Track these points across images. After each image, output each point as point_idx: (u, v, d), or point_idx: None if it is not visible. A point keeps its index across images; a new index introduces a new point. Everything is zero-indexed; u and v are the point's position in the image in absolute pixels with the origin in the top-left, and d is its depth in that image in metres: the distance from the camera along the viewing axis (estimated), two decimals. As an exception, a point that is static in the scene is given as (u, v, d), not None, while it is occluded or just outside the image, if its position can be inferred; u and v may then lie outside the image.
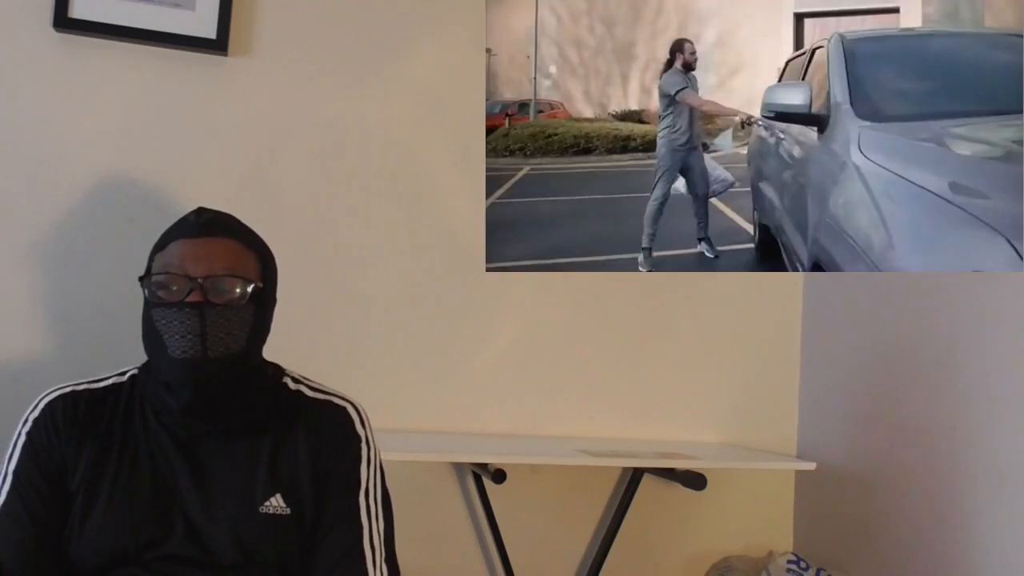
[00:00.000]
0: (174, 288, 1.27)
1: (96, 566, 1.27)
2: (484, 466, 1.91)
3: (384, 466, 1.44)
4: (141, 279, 1.33)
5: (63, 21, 1.79)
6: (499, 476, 1.85)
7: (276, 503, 1.31)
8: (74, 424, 1.32)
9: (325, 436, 1.37)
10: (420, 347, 2.03)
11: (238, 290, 1.29)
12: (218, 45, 1.86)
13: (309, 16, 1.97)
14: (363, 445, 1.39)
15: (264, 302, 1.35)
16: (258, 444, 1.34)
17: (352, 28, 1.99)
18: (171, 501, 1.30)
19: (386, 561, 1.34)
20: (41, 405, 1.34)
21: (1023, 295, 1.77)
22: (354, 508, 1.34)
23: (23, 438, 1.32)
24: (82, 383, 1.38)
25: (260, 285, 1.33)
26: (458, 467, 2.05)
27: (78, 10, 1.80)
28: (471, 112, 2.04)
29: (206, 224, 1.33)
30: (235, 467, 1.32)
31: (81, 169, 1.83)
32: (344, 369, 1.95)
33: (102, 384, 1.38)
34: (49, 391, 1.36)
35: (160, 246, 1.35)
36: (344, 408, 1.41)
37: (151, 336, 1.30)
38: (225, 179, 1.90)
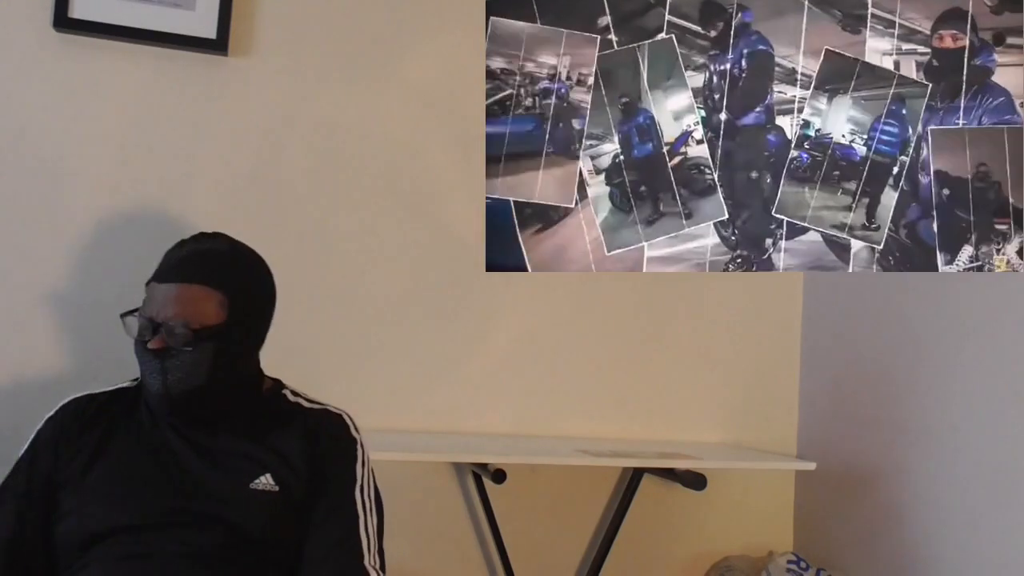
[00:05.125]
0: (141, 329, 1.39)
1: (84, 540, 1.36)
2: (484, 466, 1.91)
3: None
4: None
5: (63, 21, 1.79)
6: (499, 476, 1.85)
7: (266, 481, 1.40)
8: (79, 421, 1.44)
9: (323, 438, 1.47)
10: (420, 347, 2.03)
11: (185, 335, 1.37)
12: (218, 45, 1.86)
13: (309, 16, 1.97)
14: (358, 447, 1.49)
15: (229, 337, 1.40)
16: (251, 432, 1.44)
17: (352, 28, 1.99)
18: (164, 479, 1.39)
19: (378, 552, 1.43)
20: (58, 406, 1.48)
21: (1023, 295, 1.78)
22: (351, 500, 1.43)
23: (35, 433, 1.45)
24: (99, 390, 1.50)
25: (219, 323, 1.39)
26: (458, 467, 2.05)
27: (78, 10, 1.80)
28: (471, 112, 2.04)
29: (176, 266, 1.42)
30: (227, 450, 1.42)
31: (81, 169, 1.83)
32: (345, 369, 1.96)
33: (114, 388, 1.51)
34: (71, 396, 1.49)
35: (150, 280, 1.44)
36: (340, 415, 1.52)
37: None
38: (225, 179, 1.91)
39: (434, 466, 2.02)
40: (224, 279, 1.42)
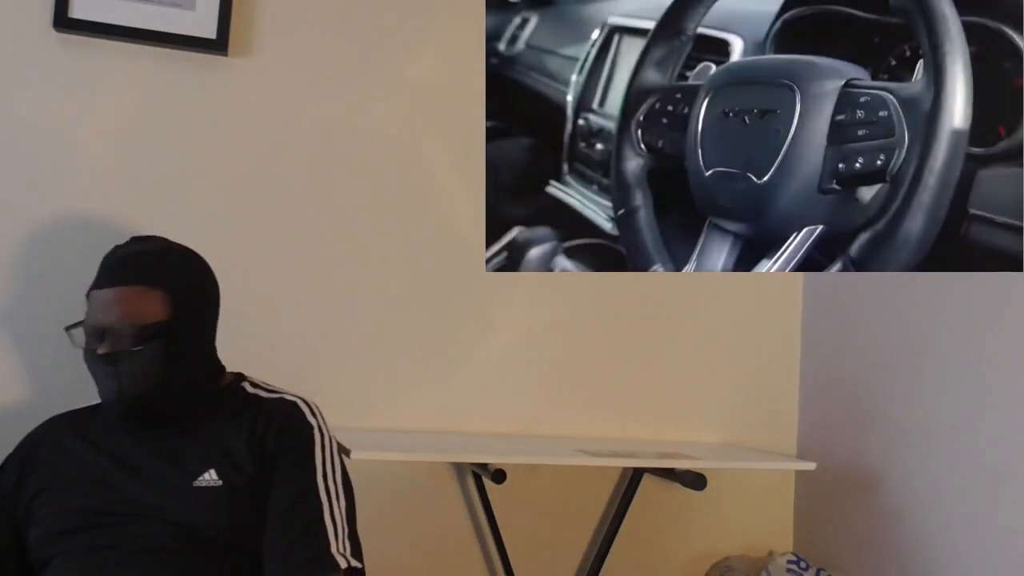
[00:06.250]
0: (89, 339, 1.42)
1: (49, 538, 1.39)
2: (484, 466, 1.91)
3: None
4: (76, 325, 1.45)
5: (63, 21, 1.79)
6: (499, 476, 1.85)
7: (209, 477, 1.40)
8: (52, 435, 1.50)
9: (275, 425, 1.45)
10: (420, 347, 2.03)
11: (133, 336, 1.39)
12: (218, 45, 1.86)
13: (309, 16, 1.97)
14: (315, 432, 1.46)
15: (175, 333, 1.42)
16: (199, 431, 1.45)
17: (352, 28, 1.99)
18: (119, 479, 1.41)
19: (348, 537, 1.39)
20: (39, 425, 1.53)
21: (1023, 295, 1.78)
22: (313, 488, 1.40)
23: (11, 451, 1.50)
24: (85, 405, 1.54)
25: (163, 320, 1.41)
26: (458, 467, 2.05)
27: (78, 10, 1.79)
28: (471, 112, 2.04)
29: (110, 271, 1.45)
30: (177, 449, 1.43)
31: (81, 169, 1.83)
32: (344, 369, 1.96)
33: (93, 404, 1.53)
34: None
35: (90, 289, 1.45)
36: (295, 402, 1.50)
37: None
38: (225, 179, 1.91)
39: (434, 466, 2.02)
40: (162, 276, 1.44)
